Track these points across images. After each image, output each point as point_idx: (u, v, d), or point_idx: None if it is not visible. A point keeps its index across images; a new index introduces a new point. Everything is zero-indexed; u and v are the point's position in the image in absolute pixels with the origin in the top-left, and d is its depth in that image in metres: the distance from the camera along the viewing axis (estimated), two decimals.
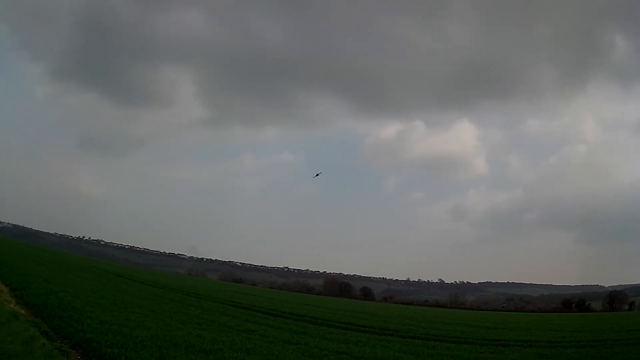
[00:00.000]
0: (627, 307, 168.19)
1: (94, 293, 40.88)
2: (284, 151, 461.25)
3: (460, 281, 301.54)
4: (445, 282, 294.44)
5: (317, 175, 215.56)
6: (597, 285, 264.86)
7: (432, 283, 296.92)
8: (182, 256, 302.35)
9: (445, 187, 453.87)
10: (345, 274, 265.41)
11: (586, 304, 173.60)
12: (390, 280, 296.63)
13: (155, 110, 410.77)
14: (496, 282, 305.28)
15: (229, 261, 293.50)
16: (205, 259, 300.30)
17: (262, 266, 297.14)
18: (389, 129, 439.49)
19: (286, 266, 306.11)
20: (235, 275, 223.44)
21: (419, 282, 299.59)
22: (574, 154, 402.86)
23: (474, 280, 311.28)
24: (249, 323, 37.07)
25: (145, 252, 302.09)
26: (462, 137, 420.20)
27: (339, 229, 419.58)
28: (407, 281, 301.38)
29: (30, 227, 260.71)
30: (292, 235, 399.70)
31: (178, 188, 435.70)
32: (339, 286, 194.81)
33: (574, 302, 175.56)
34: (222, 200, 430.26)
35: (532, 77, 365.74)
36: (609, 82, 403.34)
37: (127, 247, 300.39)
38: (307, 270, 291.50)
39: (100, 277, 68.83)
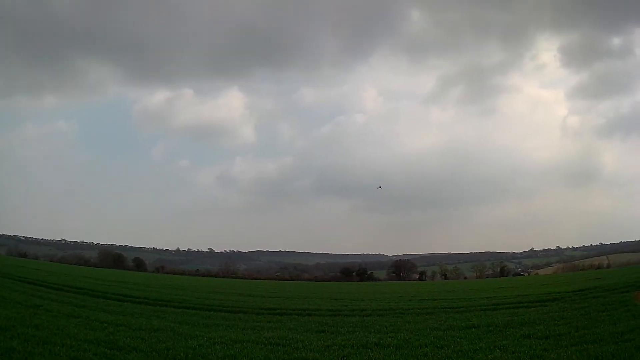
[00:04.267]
0: (417, 276, 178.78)
1: None
2: (61, 119, 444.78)
3: (230, 250, 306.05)
4: (216, 251, 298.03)
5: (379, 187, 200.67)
6: (380, 254, 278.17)
7: (202, 252, 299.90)
8: None
9: (211, 155, 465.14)
10: (118, 244, 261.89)
11: (369, 272, 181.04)
12: (161, 250, 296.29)
13: None
14: (268, 251, 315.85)
15: (14, 235, 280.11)
16: None
17: (42, 239, 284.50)
18: (158, 96, 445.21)
19: (63, 238, 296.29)
20: (21, 250, 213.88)
21: (189, 252, 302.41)
22: (350, 123, 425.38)
23: (245, 249, 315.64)
24: (35, 298, 38.52)
25: None
26: (230, 105, 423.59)
27: (112, 198, 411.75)
28: (178, 251, 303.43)
29: None
30: (68, 205, 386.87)
31: None
32: (113, 257, 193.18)
33: (355, 271, 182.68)
34: (6, 171, 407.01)
35: (309, 46, 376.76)
36: (397, 55, 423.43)
37: None
38: (83, 242, 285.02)
39: None
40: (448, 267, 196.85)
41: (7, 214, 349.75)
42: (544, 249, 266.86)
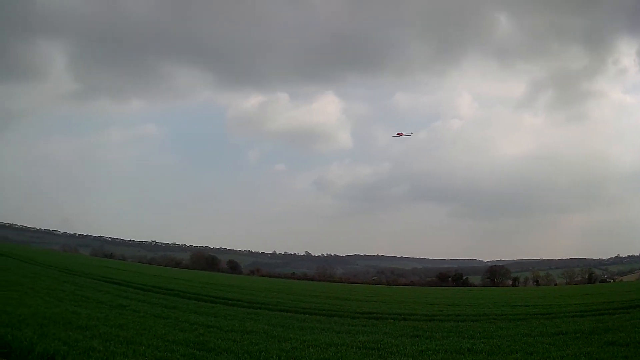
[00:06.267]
0: (510, 282, 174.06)
1: None
2: (148, 123, 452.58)
3: (327, 254, 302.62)
4: (312, 255, 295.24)
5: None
6: (476, 260, 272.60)
7: (299, 256, 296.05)
8: (57, 232, 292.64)
9: (308, 159, 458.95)
10: (212, 247, 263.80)
11: (464, 278, 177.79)
12: (257, 253, 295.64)
13: (31, 83, 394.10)
14: (365, 255, 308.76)
15: (100, 236, 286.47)
16: (77, 235, 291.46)
17: (130, 240, 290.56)
18: (251, 101, 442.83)
19: (154, 240, 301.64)
20: (106, 251, 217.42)
21: (286, 255, 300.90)
22: (446, 128, 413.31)
23: (342, 253, 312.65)
24: (121, 298, 37.70)
25: (23, 229, 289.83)
26: (326, 109, 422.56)
27: (204, 201, 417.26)
28: (274, 254, 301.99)
29: None
30: (158, 208, 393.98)
31: (52, 162, 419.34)
32: (206, 259, 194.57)
33: (451, 276, 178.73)
34: (92, 174, 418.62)
35: (401, 51, 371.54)
36: (488, 60, 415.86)
37: (7, 225, 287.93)
38: (174, 243, 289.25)
39: None
40: (539, 273, 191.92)
41: (93, 215, 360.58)
42: (629, 256, 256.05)
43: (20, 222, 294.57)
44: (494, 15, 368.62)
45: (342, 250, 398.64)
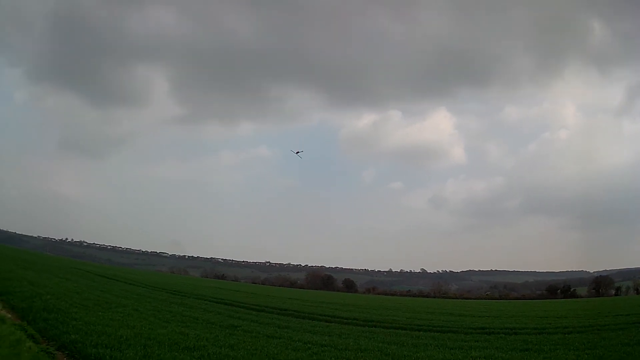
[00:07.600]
0: (613, 292, 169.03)
1: (78, 295, 40.75)
2: (260, 145, 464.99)
3: (442, 270, 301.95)
4: (428, 271, 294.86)
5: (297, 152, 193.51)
6: (583, 270, 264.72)
7: (415, 273, 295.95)
8: (164, 254, 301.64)
9: (423, 177, 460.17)
10: (327, 266, 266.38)
11: (571, 289, 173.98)
12: (373, 271, 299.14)
13: (132, 109, 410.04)
14: (479, 270, 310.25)
15: (211, 258, 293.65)
16: (187, 257, 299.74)
17: (243, 262, 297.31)
18: (364, 120, 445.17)
19: (268, 261, 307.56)
20: (218, 272, 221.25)
21: (402, 273, 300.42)
22: (555, 139, 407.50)
23: (457, 269, 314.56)
24: (233, 319, 36.97)
25: (128, 252, 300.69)
26: (439, 126, 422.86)
27: (319, 222, 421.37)
28: (390, 272, 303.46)
29: (14, 231, 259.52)
30: (272, 229, 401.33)
31: (157, 186, 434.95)
32: (322, 279, 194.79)
33: (559, 288, 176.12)
34: (201, 197, 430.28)
35: (508, 64, 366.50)
36: (587, 68, 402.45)
37: (109, 247, 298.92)
38: (289, 264, 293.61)
39: (84, 278, 67.68)
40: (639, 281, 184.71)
41: (203, 237, 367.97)
42: None
43: (126, 245, 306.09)
44: (588, 22, 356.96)
45: (457, 266, 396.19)
